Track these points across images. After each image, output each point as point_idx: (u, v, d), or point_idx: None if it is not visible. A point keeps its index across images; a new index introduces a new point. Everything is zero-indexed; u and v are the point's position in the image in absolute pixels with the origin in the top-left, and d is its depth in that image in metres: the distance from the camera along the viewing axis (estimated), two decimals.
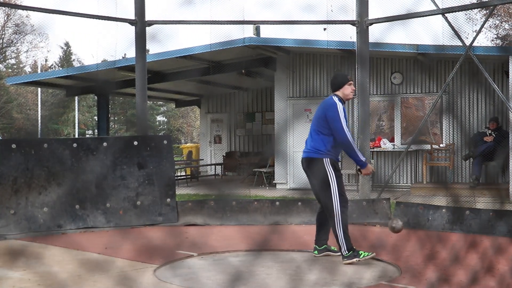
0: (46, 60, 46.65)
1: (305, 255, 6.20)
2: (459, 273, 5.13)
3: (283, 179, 14.48)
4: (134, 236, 7.43)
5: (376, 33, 9.60)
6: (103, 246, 6.60)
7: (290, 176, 14.41)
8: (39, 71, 37.57)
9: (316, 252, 6.04)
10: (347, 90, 5.85)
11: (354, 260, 5.61)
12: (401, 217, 8.11)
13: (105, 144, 8.28)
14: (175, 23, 9.85)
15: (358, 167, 5.89)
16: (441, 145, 13.33)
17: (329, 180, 5.68)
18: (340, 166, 5.95)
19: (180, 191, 13.17)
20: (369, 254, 5.66)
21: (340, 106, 5.71)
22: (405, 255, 5.96)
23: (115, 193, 8.24)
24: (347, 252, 5.63)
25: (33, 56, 45.78)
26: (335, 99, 5.78)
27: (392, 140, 14.02)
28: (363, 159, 5.74)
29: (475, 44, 10.00)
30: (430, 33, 9.83)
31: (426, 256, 5.98)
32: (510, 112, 10.68)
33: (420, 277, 5.05)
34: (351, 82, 5.92)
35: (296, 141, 14.32)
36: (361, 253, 5.65)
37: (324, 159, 5.70)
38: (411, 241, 6.96)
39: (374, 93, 13.80)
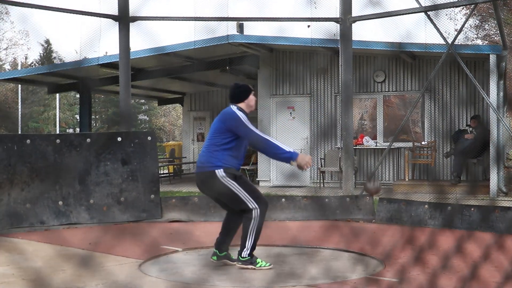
0: (26, 58, 46.17)
1: (290, 250, 6.23)
2: (442, 266, 5.20)
3: (266, 176, 14.51)
4: (118, 232, 7.40)
5: None
6: (87, 242, 6.57)
7: (273, 173, 14.44)
8: (19, 68, 37.18)
9: (215, 258, 5.48)
10: (252, 101, 5.50)
11: (249, 266, 5.27)
12: (385, 213, 8.20)
13: (88, 140, 8.23)
14: (159, 19, 9.83)
15: (291, 162, 5.14)
16: (422, 143, 13.46)
17: (231, 189, 5.24)
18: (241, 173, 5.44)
19: (163, 188, 13.13)
20: (266, 264, 5.31)
21: (243, 117, 5.33)
22: (388, 250, 6.01)
23: (98, 189, 8.20)
24: (246, 256, 5.28)
25: (13, 54, 45.24)
26: (235, 109, 5.40)
27: (374, 138, 14.12)
28: (289, 149, 5.15)
29: (456, 43, 10.11)
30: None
31: (409, 251, 6.04)
32: (491, 110, 10.82)
33: (403, 271, 5.11)
34: (254, 92, 5.56)
35: (279, 138, 14.36)
36: (258, 262, 5.30)
37: (217, 171, 5.21)
38: (394, 236, 7.04)
39: (357, 91, 13.88)
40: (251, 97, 5.49)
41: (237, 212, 5.39)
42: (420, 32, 9.84)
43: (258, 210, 5.23)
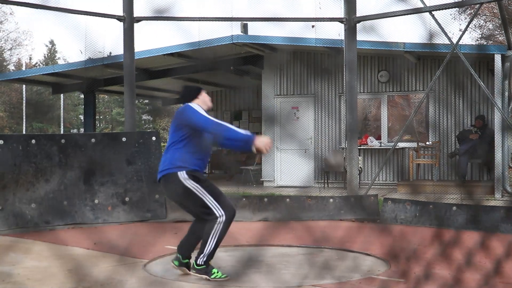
0: (30, 58, 46.27)
1: (295, 250, 6.23)
2: (446, 267, 5.19)
3: (270, 176, 14.50)
4: (123, 232, 7.41)
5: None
6: (92, 242, 6.57)
7: (278, 173, 14.43)
8: (23, 69, 37.24)
9: (176, 263, 5.10)
10: (206, 97, 5.23)
11: (203, 276, 4.91)
12: (389, 213, 8.18)
13: (93, 140, 8.25)
14: (163, 19, 9.84)
15: (250, 148, 4.65)
16: (427, 143, 13.43)
17: (195, 193, 4.87)
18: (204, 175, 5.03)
19: None
20: (222, 276, 4.91)
21: (199, 108, 5.02)
22: (394, 250, 6.00)
23: (103, 189, 8.22)
24: (201, 264, 4.92)
25: (17, 54, 45.37)
26: (190, 104, 5.10)
27: (378, 138, 14.10)
28: (247, 133, 4.70)
29: (460, 43, 10.09)
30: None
31: (414, 251, 6.03)
32: (495, 110, 10.81)
33: (409, 271, 5.10)
34: (206, 91, 5.31)
35: (283, 138, 14.35)
36: (214, 272, 4.91)
37: (179, 173, 4.84)
38: (400, 236, 7.02)
39: (361, 91, 13.87)
40: (204, 94, 5.22)
41: (201, 218, 4.97)
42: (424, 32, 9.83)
43: (224, 217, 4.84)
